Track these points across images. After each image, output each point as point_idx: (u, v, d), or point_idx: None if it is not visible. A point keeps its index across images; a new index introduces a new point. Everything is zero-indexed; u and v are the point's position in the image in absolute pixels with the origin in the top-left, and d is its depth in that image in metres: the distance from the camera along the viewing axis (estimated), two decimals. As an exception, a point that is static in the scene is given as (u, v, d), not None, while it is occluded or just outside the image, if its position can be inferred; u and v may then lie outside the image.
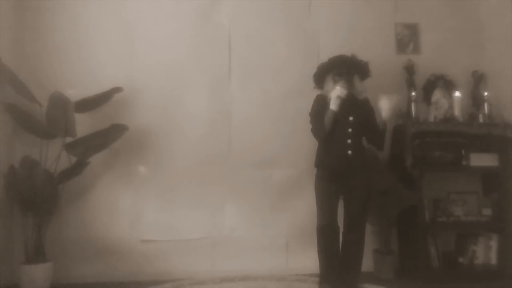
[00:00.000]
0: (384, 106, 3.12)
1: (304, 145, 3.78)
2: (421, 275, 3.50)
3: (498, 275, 3.57)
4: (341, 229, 3.16)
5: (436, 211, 3.76)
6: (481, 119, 3.71)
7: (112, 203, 3.63)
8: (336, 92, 3.05)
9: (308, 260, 3.70)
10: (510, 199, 3.62)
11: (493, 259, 3.71)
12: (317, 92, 3.25)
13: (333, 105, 3.05)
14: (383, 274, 3.57)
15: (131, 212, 3.65)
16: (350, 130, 3.13)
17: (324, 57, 3.83)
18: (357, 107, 3.16)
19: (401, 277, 3.57)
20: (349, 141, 3.12)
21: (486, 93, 3.81)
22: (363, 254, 3.20)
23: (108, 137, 3.45)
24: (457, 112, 3.70)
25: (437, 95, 3.79)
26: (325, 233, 3.12)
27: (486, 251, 3.74)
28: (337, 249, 3.15)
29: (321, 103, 3.16)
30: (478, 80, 3.91)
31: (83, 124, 3.44)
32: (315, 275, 3.58)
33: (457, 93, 3.73)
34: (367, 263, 3.68)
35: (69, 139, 3.40)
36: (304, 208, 3.75)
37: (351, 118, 3.14)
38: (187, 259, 3.59)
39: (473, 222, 3.71)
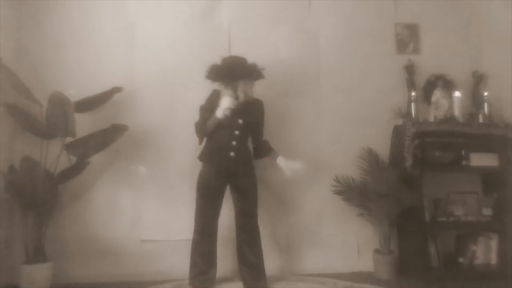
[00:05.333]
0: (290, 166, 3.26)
1: (304, 145, 3.79)
2: (421, 275, 3.50)
3: (498, 275, 3.57)
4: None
5: (436, 211, 3.75)
6: (481, 119, 3.70)
7: (112, 203, 3.63)
8: (226, 103, 3.04)
9: (308, 260, 3.72)
10: (510, 199, 3.61)
11: (493, 259, 3.71)
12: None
13: (220, 114, 3.06)
14: (383, 274, 3.57)
15: (131, 212, 3.65)
16: (237, 132, 3.18)
17: (324, 57, 3.88)
18: (247, 111, 3.20)
19: (401, 277, 3.57)
20: (234, 143, 3.18)
21: (486, 93, 3.81)
22: (262, 253, 3.27)
23: (108, 137, 3.45)
24: (457, 112, 3.70)
25: (437, 95, 3.79)
26: (205, 237, 3.22)
27: (486, 251, 3.74)
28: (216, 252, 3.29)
29: (213, 100, 3.19)
30: (478, 80, 3.91)
31: (83, 124, 3.44)
32: (316, 275, 3.59)
33: (457, 93, 3.72)
34: (367, 263, 3.70)
35: (69, 139, 3.40)
36: (304, 208, 3.77)
37: (240, 121, 3.18)
38: (187, 259, 3.58)
39: (473, 222, 3.71)
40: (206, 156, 3.24)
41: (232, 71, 3.17)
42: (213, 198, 3.22)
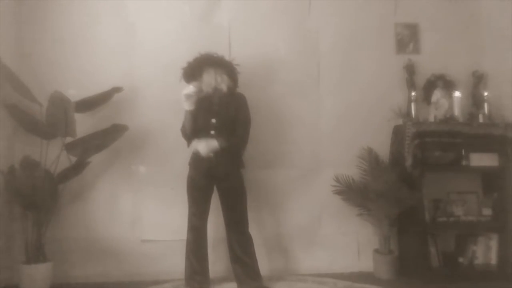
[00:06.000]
0: (202, 150, 3.11)
1: (304, 145, 3.80)
2: (421, 275, 3.49)
3: (498, 275, 3.57)
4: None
5: (436, 211, 3.75)
6: (481, 119, 3.70)
7: (112, 203, 3.63)
8: (184, 91, 3.06)
9: (308, 260, 3.72)
10: (510, 199, 3.61)
11: (493, 259, 3.70)
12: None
13: (185, 105, 3.08)
14: (383, 274, 3.57)
15: (131, 212, 3.65)
16: (212, 132, 3.15)
17: (325, 57, 3.88)
18: (224, 108, 3.18)
19: (401, 277, 3.57)
20: None
21: (486, 93, 3.80)
22: (254, 252, 3.24)
23: (108, 137, 3.46)
24: (457, 112, 3.70)
25: (437, 95, 3.79)
26: (195, 236, 3.21)
27: (486, 251, 3.73)
28: (206, 250, 3.28)
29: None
30: (478, 80, 3.90)
31: (83, 124, 3.44)
32: (315, 275, 3.59)
33: (457, 93, 3.72)
34: (367, 263, 3.70)
35: (69, 139, 3.40)
36: (304, 208, 3.76)
37: (213, 121, 3.16)
38: (187, 259, 3.60)
39: (473, 222, 3.70)
40: (191, 159, 3.24)
41: (194, 67, 3.21)
42: (199, 199, 3.22)
